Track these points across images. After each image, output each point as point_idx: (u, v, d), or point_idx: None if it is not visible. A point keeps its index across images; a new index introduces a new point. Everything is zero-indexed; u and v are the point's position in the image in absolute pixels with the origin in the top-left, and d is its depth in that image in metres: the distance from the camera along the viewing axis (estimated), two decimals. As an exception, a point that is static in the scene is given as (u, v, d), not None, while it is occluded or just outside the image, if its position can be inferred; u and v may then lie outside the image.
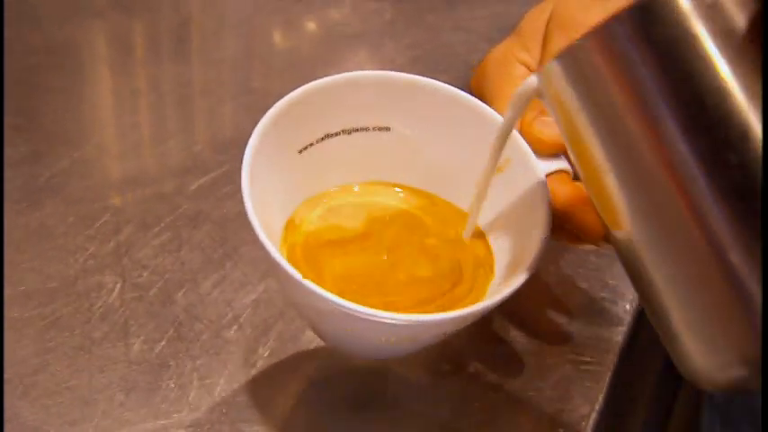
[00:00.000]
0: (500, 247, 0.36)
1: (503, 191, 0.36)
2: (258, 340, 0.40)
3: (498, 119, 0.35)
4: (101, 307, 0.41)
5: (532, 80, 0.30)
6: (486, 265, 0.36)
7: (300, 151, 0.36)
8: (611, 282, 0.43)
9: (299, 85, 0.35)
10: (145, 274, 0.43)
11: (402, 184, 0.38)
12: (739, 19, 0.25)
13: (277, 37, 0.66)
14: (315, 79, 0.35)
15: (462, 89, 0.37)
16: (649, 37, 0.25)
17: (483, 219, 0.36)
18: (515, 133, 0.35)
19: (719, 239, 0.24)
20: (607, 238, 0.30)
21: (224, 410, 0.37)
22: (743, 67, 0.25)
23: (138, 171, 0.50)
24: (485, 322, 0.41)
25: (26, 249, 0.43)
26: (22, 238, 0.44)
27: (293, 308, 0.39)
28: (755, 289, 0.24)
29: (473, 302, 0.34)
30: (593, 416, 0.38)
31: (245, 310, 0.41)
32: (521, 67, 0.38)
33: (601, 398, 0.39)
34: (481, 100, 0.37)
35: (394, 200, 0.38)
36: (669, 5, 0.25)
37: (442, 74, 0.39)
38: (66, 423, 0.36)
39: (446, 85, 0.37)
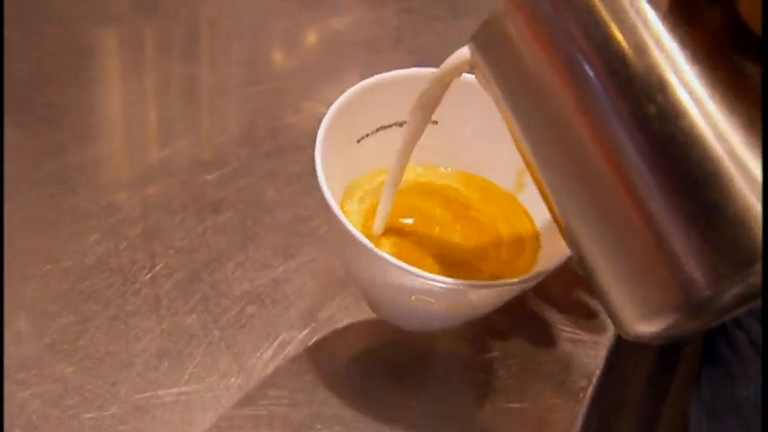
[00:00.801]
0: (545, 230, 0.39)
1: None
2: (281, 315, 0.43)
3: None
4: (134, 283, 0.44)
5: (464, 51, 0.31)
6: (533, 243, 0.39)
7: (359, 140, 0.39)
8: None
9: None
10: (172, 254, 0.46)
11: (447, 167, 0.42)
12: None
13: (285, 42, 0.69)
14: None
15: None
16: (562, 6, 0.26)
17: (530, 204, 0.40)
18: None
19: (641, 191, 0.25)
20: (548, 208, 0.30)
21: (252, 377, 0.40)
22: (659, 25, 0.25)
23: (162, 162, 0.54)
24: (520, 301, 0.44)
25: (61, 230, 0.47)
26: (57, 220, 0.47)
27: (350, 276, 0.41)
28: (675, 238, 0.25)
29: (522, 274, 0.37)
30: (590, 390, 0.41)
31: (266, 288, 0.44)
32: None
33: (598, 372, 0.42)
34: None
35: (441, 178, 0.41)
36: None
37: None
38: (106, 383, 0.39)
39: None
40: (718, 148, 0.24)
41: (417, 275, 0.33)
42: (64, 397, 0.38)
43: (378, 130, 0.41)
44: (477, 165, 0.42)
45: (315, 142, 0.36)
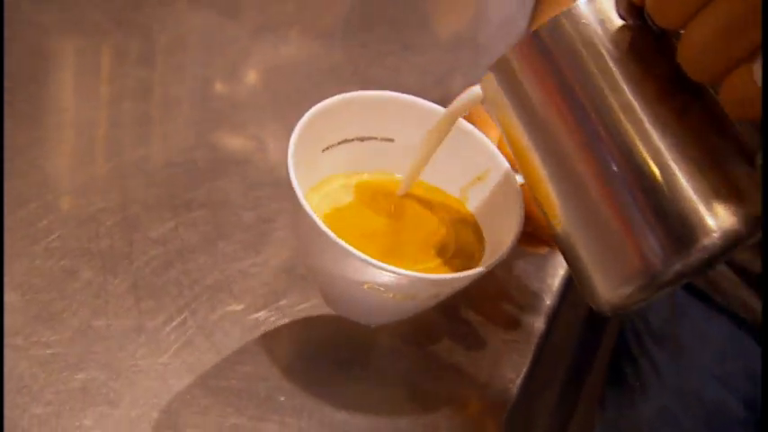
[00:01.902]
0: (488, 233, 0.45)
1: (486, 196, 0.45)
2: (247, 303, 0.47)
3: (485, 140, 0.45)
4: (113, 266, 0.48)
5: (476, 89, 0.40)
6: (478, 244, 0.45)
7: (324, 150, 0.45)
8: (548, 281, 0.53)
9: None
10: (149, 244, 0.50)
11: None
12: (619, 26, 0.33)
13: (237, 67, 0.74)
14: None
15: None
16: (556, 49, 0.34)
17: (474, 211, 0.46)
18: (495, 149, 0.45)
19: (608, 185, 0.33)
20: (539, 208, 0.38)
21: (221, 354, 0.44)
22: (618, 68, 0.33)
23: (138, 162, 0.58)
24: (453, 306, 0.50)
25: (46, 215, 0.50)
26: (42, 207, 0.51)
27: (309, 268, 0.45)
28: (635, 225, 0.33)
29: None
30: (518, 381, 0.47)
31: (235, 278, 0.49)
32: None
33: (524, 369, 0.48)
34: (470, 122, 0.46)
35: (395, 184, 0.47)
36: (568, 26, 0.33)
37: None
38: (89, 351, 0.42)
39: (437, 106, 0.46)
40: (668, 159, 0.32)
41: (371, 264, 0.37)
42: (50, 361, 0.42)
43: (341, 142, 0.46)
44: (427, 174, 0.47)
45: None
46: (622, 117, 0.33)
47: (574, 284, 0.46)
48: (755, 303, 0.58)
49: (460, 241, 0.45)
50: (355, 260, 0.38)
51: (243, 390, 0.43)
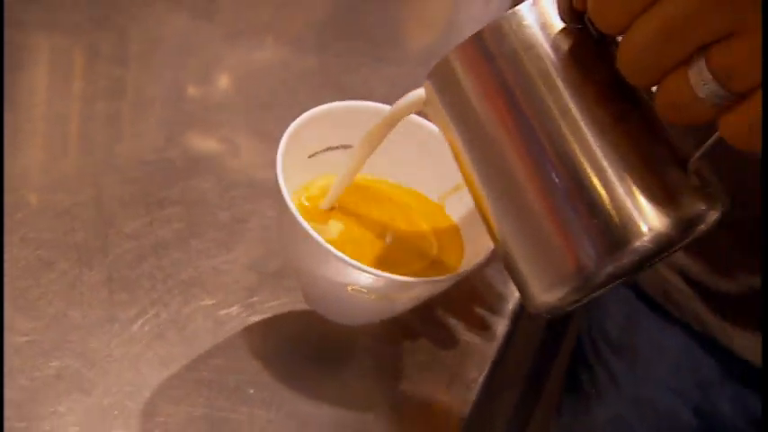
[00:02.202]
0: (467, 237, 0.46)
1: (465, 204, 0.46)
2: (220, 299, 0.49)
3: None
4: (89, 259, 0.49)
5: (419, 92, 0.39)
6: (457, 247, 0.46)
7: (310, 156, 0.46)
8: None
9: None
10: (123, 239, 0.51)
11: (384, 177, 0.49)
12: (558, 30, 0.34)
13: (210, 70, 0.75)
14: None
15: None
16: (497, 51, 0.34)
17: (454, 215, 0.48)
18: None
19: (543, 187, 0.33)
20: (479, 210, 0.38)
21: (193, 347, 0.45)
22: (558, 71, 0.34)
23: (111, 159, 0.59)
24: (427, 306, 0.51)
25: (21, 209, 0.51)
26: (17, 200, 0.51)
27: (292, 266, 0.46)
28: (569, 228, 0.33)
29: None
30: (480, 380, 0.49)
31: (208, 275, 0.50)
32: None
33: (486, 369, 0.50)
34: None
35: (379, 185, 0.48)
36: (508, 28, 0.34)
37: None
38: (63, 340, 0.43)
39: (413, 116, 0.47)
40: (602, 163, 0.33)
41: (357, 268, 0.39)
42: (25, 348, 0.42)
43: (326, 150, 0.48)
44: (408, 179, 0.49)
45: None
46: (560, 120, 0.33)
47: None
48: (707, 316, 0.61)
49: (441, 247, 0.46)
50: (338, 262, 0.39)
51: (213, 381, 0.44)
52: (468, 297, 0.54)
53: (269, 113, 0.66)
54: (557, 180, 0.33)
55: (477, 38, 0.35)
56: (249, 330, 0.47)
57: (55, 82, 0.66)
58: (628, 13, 0.31)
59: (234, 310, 0.48)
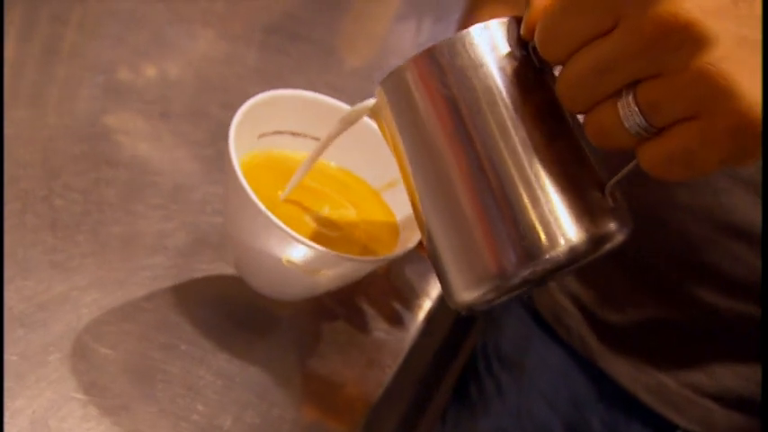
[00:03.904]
0: (402, 223, 0.50)
1: (401, 197, 0.49)
2: (158, 259, 0.51)
3: None
4: (32, 206, 0.50)
5: (370, 101, 0.43)
6: (392, 231, 0.50)
7: (259, 137, 0.49)
8: (435, 285, 0.60)
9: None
10: (68, 191, 0.52)
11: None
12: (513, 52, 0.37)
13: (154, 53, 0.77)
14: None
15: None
16: (447, 66, 0.37)
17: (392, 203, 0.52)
18: None
19: (473, 193, 0.37)
20: (414, 212, 0.41)
21: (128, 295, 0.47)
22: (501, 91, 0.37)
23: (63, 116, 0.60)
24: (349, 294, 0.55)
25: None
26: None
27: (230, 237, 0.48)
28: (493, 232, 0.36)
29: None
30: (395, 367, 0.53)
31: (149, 235, 0.52)
32: None
33: (401, 358, 0.54)
34: None
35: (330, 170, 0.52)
36: (461, 47, 0.37)
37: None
38: (6, 280, 0.45)
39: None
40: (530, 176, 0.37)
41: (298, 240, 0.42)
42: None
43: (275, 132, 0.51)
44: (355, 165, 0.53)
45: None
46: (497, 135, 0.37)
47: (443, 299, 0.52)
48: (591, 341, 0.66)
49: (372, 237, 0.50)
50: (279, 232, 0.42)
51: (149, 334, 0.46)
52: (386, 290, 0.58)
53: (212, 96, 0.69)
54: (488, 188, 0.37)
55: (431, 52, 0.38)
56: (184, 289, 0.50)
57: (11, 35, 0.67)
58: (569, 47, 0.35)
59: (172, 271, 0.50)
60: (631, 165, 0.36)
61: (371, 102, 0.43)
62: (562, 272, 0.38)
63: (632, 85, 0.34)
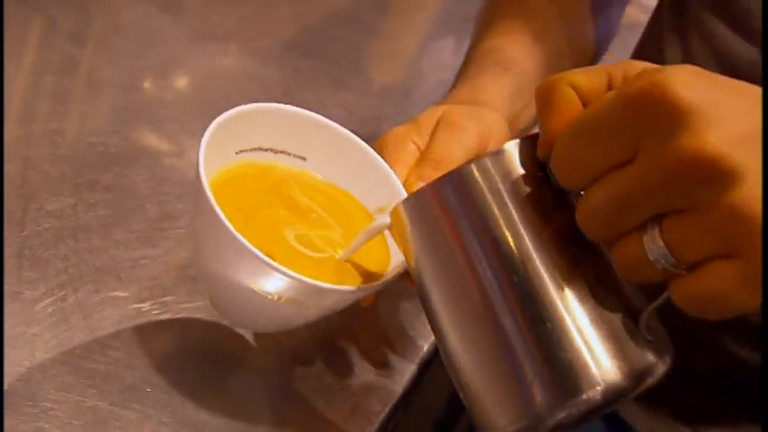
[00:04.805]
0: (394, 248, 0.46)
1: None
2: (132, 292, 0.47)
3: (387, 169, 0.47)
4: (2, 230, 0.47)
5: (385, 219, 0.41)
6: (384, 255, 0.46)
7: (237, 153, 0.45)
8: (425, 324, 0.55)
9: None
10: (43, 216, 0.49)
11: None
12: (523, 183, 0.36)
13: (169, 67, 0.75)
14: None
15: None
16: (466, 194, 0.36)
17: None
18: (398, 185, 0.47)
19: (504, 328, 0.35)
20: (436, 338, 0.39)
21: (95, 336, 0.44)
22: (520, 218, 0.35)
23: (49, 134, 0.57)
24: (330, 335, 0.51)
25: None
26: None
27: (198, 267, 0.46)
28: (527, 365, 0.35)
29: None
30: (382, 414, 0.48)
31: (124, 267, 0.49)
32: (412, 146, 0.49)
33: (390, 404, 0.49)
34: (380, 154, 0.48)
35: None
36: (477, 175, 0.36)
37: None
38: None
39: (354, 136, 0.48)
40: (560, 310, 0.34)
41: (271, 266, 0.38)
42: None
43: (254, 149, 0.47)
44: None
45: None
46: (521, 265, 0.35)
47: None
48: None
49: (360, 258, 0.46)
50: (252, 259, 0.38)
51: (110, 374, 0.43)
52: (374, 332, 0.54)
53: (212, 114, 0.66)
54: (515, 324, 0.35)
55: (450, 179, 0.36)
56: (156, 328, 0.46)
57: (9, 48, 0.65)
58: (588, 174, 0.32)
59: (145, 305, 0.47)
60: (665, 296, 0.33)
61: (384, 222, 0.41)
62: (602, 411, 0.35)
63: (658, 218, 0.31)
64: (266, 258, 0.38)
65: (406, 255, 0.39)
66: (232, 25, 0.83)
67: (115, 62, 0.70)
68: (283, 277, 0.39)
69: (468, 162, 0.36)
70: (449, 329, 0.37)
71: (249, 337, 0.48)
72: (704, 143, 0.29)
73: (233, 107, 0.44)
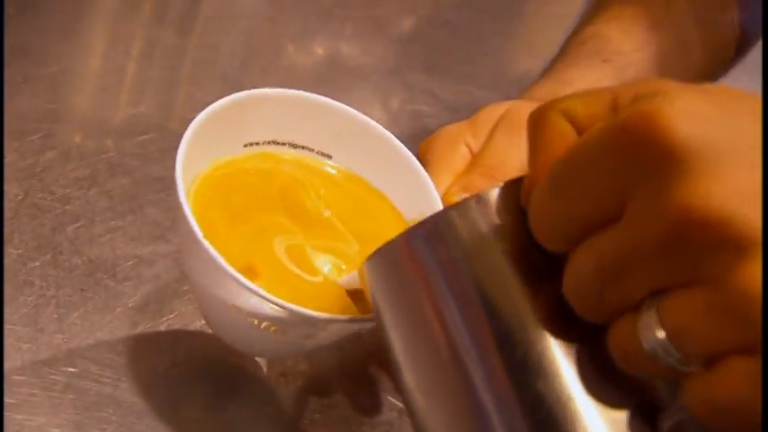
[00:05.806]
0: None
1: None
2: (127, 293, 0.42)
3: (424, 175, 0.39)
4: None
5: (354, 277, 0.34)
6: None
7: (245, 146, 0.39)
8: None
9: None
10: (48, 199, 0.45)
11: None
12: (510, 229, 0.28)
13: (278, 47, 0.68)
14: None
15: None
16: (437, 249, 0.28)
17: None
18: (435, 195, 0.39)
19: (480, 397, 0.27)
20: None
21: (70, 342, 0.38)
22: (513, 287, 0.28)
23: (83, 109, 0.53)
24: (356, 361, 0.44)
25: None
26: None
27: (192, 289, 0.40)
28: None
29: None
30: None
31: (125, 262, 0.43)
32: (464, 148, 0.42)
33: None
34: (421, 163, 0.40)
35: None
36: (455, 224, 0.28)
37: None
38: None
39: (384, 130, 0.40)
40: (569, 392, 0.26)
41: (257, 294, 0.32)
42: None
43: (268, 143, 0.40)
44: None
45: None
46: (511, 347, 0.27)
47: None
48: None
49: None
50: (232, 283, 0.32)
51: (72, 387, 0.37)
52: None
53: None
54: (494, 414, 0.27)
55: (424, 231, 0.29)
56: (144, 339, 0.40)
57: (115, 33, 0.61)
58: (568, 232, 0.25)
59: (136, 309, 0.41)
60: (679, 405, 0.25)
61: (356, 279, 0.33)
62: None
63: (657, 296, 0.23)
64: (246, 281, 0.32)
65: (379, 312, 0.31)
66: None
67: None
68: (269, 306, 0.32)
69: (447, 208, 0.29)
70: (418, 399, 0.29)
71: (241, 360, 0.41)
72: (711, 196, 0.21)
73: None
